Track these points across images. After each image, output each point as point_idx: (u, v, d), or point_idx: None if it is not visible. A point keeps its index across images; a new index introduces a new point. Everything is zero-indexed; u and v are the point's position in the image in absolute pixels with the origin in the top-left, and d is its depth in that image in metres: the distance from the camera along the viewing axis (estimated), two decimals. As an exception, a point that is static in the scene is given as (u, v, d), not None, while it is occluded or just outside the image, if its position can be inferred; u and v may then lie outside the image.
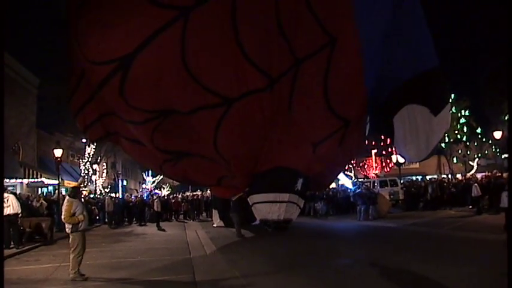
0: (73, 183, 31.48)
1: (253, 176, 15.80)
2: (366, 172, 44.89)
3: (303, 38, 13.29)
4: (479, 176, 33.35)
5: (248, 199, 16.37)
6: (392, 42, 14.36)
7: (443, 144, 37.34)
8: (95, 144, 33.58)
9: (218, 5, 11.93)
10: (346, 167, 40.25)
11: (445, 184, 28.46)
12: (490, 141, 37.85)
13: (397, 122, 14.76)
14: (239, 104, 13.26)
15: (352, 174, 44.99)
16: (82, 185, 29.38)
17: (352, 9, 13.05)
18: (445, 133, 16.26)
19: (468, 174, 36.44)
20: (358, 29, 13.20)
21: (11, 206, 14.58)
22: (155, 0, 11.42)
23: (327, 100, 14.35)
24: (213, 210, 23.20)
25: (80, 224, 9.63)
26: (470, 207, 22.75)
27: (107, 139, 16.15)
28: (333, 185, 35.21)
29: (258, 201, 15.77)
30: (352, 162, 42.12)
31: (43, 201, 19.90)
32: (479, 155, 40.86)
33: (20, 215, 15.17)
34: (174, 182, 67.55)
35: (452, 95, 36.09)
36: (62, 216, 9.56)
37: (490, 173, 27.63)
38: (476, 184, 22.50)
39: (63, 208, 9.58)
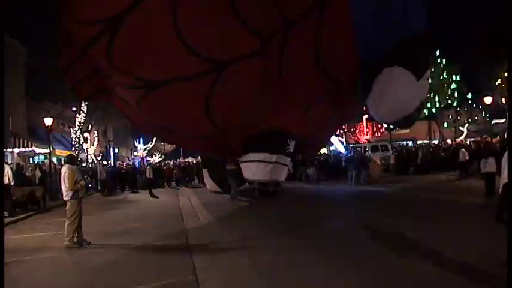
0: (64, 152, 31.58)
1: (246, 138, 15.82)
2: (357, 137, 45.11)
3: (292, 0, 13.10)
4: (469, 141, 33.72)
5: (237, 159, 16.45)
6: (384, 3, 14.22)
7: (433, 110, 37.51)
8: (86, 103, 33.33)
9: None
10: (337, 132, 40.43)
11: (431, 149, 28.71)
12: (480, 107, 38.06)
13: (376, 82, 14.70)
14: (232, 69, 13.10)
15: (343, 139, 45.21)
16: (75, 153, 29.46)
17: None
18: (423, 101, 16.07)
19: (458, 140, 36.74)
20: None
21: (7, 176, 14.64)
22: None
23: (318, 62, 14.27)
24: (203, 170, 22.70)
25: (80, 191, 9.71)
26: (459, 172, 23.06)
27: (97, 97, 15.95)
28: (324, 150, 35.44)
29: (246, 160, 15.83)
30: (343, 127, 42.28)
31: (37, 171, 19.84)
32: (470, 120, 41.16)
33: (12, 185, 15.22)
34: (166, 149, 67.69)
35: (444, 60, 36.07)
36: (66, 185, 9.51)
37: (480, 138, 27.95)
38: (463, 149, 22.74)
39: (66, 176, 9.54)
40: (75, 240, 9.56)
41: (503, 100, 33.43)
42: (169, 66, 12.56)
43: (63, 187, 9.70)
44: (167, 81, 12.95)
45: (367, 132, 44.53)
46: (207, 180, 21.57)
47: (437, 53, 35.72)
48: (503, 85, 32.95)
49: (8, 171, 14.88)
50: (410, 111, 15.19)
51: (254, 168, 15.52)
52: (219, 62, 12.81)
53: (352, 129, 45.58)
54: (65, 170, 9.74)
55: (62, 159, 29.86)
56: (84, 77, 13.86)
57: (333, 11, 13.27)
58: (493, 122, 30.18)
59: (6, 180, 14.58)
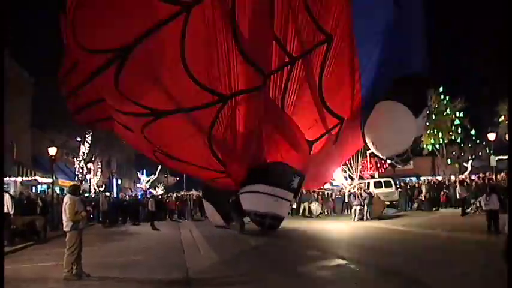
0: (67, 182, 31.54)
1: (249, 171, 15.76)
2: (361, 173, 44.84)
3: (297, 37, 13.36)
4: (474, 176, 33.50)
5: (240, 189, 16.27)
6: (389, 42, 14.45)
7: (437, 146, 37.49)
8: (90, 133, 33.57)
9: (219, 3, 12.03)
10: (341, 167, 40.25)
11: (436, 185, 28.62)
12: (484, 143, 37.97)
13: (373, 113, 14.79)
14: (234, 102, 13.30)
15: (346, 174, 44.90)
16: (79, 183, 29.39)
17: (349, 7, 13.23)
18: (417, 139, 16.11)
19: (461, 176, 36.54)
20: (354, 27, 13.35)
21: (6, 204, 14.56)
22: None
23: (322, 98, 14.43)
24: (204, 201, 21.97)
25: (80, 223, 9.63)
26: (460, 208, 22.82)
27: (98, 124, 16.06)
28: (328, 185, 35.24)
29: (244, 191, 15.71)
30: (347, 162, 42.10)
31: (39, 201, 19.77)
32: (473, 156, 41.01)
33: (12, 214, 15.12)
34: (169, 181, 67.51)
35: (447, 97, 36.22)
36: (67, 215, 9.44)
37: (484, 175, 27.85)
38: (460, 186, 22.77)
39: (67, 206, 9.46)
40: (74, 272, 9.41)
41: (507, 137, 33.43)
42: (174, 95, 12.78)
43: (63, 217, 9.63)
44: (172, 110, 13.13)
45: (370, 168, 44.35)
46: (210, 212, 21.21)
47: (441, 89, 35.89)
48: (506, 121, 33.03)
49: (7, 199, 14.77)
50: (404, 147, 15.25)
51: (251, 199, 15.42)
52: (223, 94, 13.02)
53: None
54: (66, 200, 9.70)
55: (65, 189, 29.82)
56: (86, 104, 14.07)
57: (338, 46, 13.55)
58: (496, 158, 30.13)
59: (5, 209, 14.47)
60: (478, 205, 20.78)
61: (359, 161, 30.74)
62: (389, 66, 14.48)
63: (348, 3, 13.27)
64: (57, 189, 28.57)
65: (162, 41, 11.61)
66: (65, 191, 25.25)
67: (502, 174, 26.78)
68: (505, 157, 33.51)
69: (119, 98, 12.72)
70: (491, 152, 29.53)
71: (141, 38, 11.37)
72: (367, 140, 15.80)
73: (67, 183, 31.22)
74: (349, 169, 31.51)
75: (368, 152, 41.70)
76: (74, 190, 10.26)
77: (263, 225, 16.32)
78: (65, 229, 9.64)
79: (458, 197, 21.92)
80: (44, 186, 30.60)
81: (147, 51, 11.59)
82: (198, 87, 12.63)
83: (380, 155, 16.93)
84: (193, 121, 13.44)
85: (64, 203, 9.70)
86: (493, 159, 27.68)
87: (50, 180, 24.27)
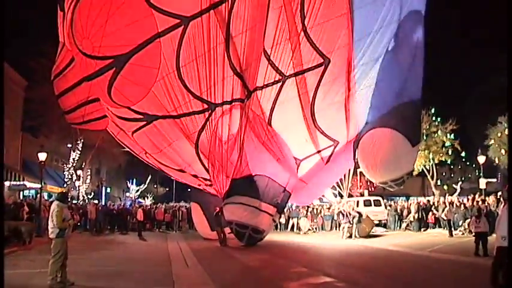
0: (56, 188, 31.29)
1: (231, 181, 15.77)
2: (350, 191, 44.86)
3: (293, 56, 13.57)
4: (462, 199, 33.75)
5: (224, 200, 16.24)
6: (385, 70, 14.59)
7: (427, 167, 37.69)
8: (81, 140, 33.40)
9: (216, 18, 12.23)
10: (331, 186, 40.31)
11: (424, 206, 28.74)
12: (474, 166, 38.27)
13: (367, 139, 14.88)
14: (221, 111, 13.59)
15: (336, 192, 44.91)
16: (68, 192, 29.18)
17: (351, 33, 13.45)
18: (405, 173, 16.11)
19: (450, 198, 36.75)
20: (354, 52, 13.57)
21: None
22: (157, 7, 11.63)
23: (313, 118, 14.55)
24: (192, 204, 22.14)
25: (67, 230, 9.52)
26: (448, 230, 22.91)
27: (89, 124, 16.03)
28: (317, 202, 35.24)
29: (228, 202, 15.71)
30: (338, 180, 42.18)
31: (25, 207, 19.54)
32: (463, 178, 41.32)
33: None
34: (158, 191, 67.14)
35: (439, 118, 36.53)
36: (54, 222, 9.32)
37: (473, 197, 28.00)
38: (446, 208, 22.97)
39: (54, 214, 9.33)
40: (58, 279, 9.29)
41: (497, 160, 33.75)
42: (166, 103, 12.97)
43: (50, 224, 9.52)
44: (163, 115, 13.33)
45: (360, 186, 44.41)
46: (198, 220, 20.94)
47: (433, 110, 36.18)
48: (496, 145, 33.36)
49: None
50: (400, 175, 15.33)
51: (234, 209, 15.43)
52: (212, 103, 13.29)
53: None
54: (54, 207, 9.59)
55: (53, 195, 29.55)
56: (78, 104, 14.15)
57: (335, 69, 13.75)
58: (486, 181, 30.39)
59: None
60: (467, 226, 20.97)
61: (350, 179, 30.78)
62: (388, 93, 14.62)
63: (350, 29, 13.47)
64: (45, 195, 28.35)
65: (159, 51, 11.79)
66: (53, 197, 25.03)
67: (491, 197, 26.91)
68: (494, 180, 33.92)
69: (111, 103, 12.87)
70: (481, 174, 29.74)
71: (139, 47, 11.54)
72: (362, 166, 15.87)
73: (56, 189, 31.00)
74: (339, 186, 31.66)
75: (358, 171, 42.02)
76: (62, 197, 10.17)
77: (243, 237, 16.25)
78: (50, 236, 9.52)
79: (444, 217, 22.07)
80: (32, 191, 30.34)
81: (143, 60, 11.75)
82: (190, 96, 12.87)
83: (374, 180, 16.98)
84: (182, 127, 13.68)
85: (52, 210, 9.59)
86: (482, 182, 27.84)
87: (39, 185, 24.07)
